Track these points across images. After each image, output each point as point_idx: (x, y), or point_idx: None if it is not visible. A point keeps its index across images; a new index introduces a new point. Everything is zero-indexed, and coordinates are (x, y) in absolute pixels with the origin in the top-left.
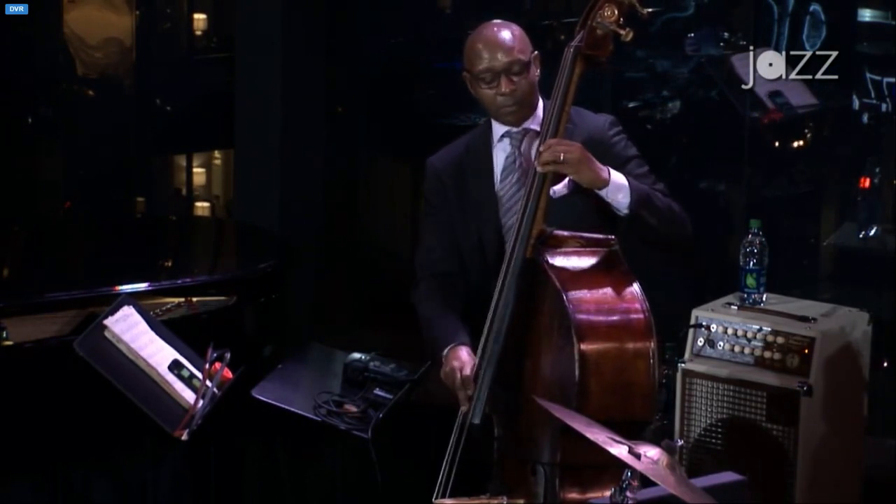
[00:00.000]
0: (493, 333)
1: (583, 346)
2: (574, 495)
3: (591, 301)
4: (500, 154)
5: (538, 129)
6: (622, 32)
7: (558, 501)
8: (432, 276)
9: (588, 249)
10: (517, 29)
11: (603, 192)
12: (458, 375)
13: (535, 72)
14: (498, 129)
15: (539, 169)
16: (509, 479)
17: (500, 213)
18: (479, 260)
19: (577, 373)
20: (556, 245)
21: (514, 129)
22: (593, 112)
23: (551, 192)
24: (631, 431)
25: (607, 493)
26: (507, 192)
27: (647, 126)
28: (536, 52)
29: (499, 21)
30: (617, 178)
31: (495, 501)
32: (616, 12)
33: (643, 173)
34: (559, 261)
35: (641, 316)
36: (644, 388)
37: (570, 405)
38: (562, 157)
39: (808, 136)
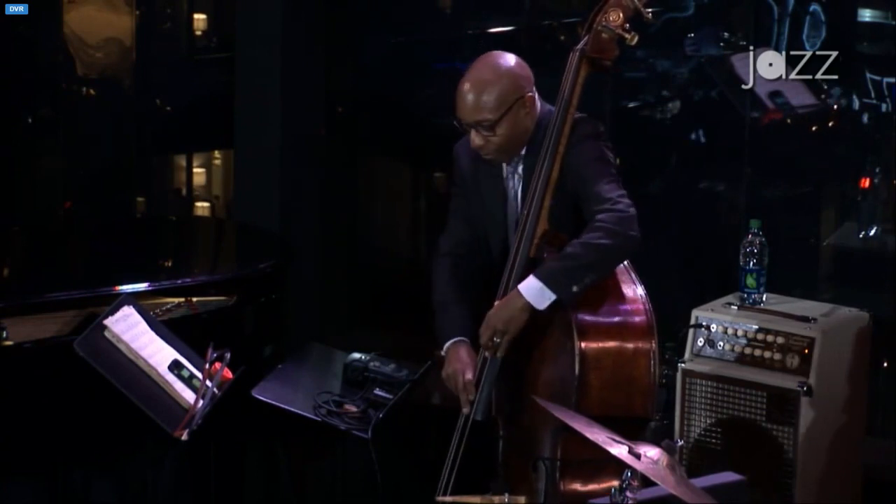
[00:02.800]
0: None
1: (583, 343)
2: (576, 487)
3: (592, 299)
4: (505, 168)
5: (523, 153)
6: (627, 36)
7: (559, 496)
8: (451, 255)
9: None
10: (498, 79)
11: (536, 306)
12: (461, 379)
13: (523, 114)
14: None
15: (486, 355)
16: (513, 477)
17: (507, 220)
18: (486, 254)
19: (576, 369)
20: (560, 245)
21: None
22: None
23: None
24: (632, 428)
25: (607, 485)
26: (508, 207)
27: (647, 126)
28: (528, 96)
29: (484, 65)
30: (530, 289)
31: (497, 499)
32: (622, 16)
33: (592, 173)
34: None
35: (643, 315)
36: (644, 385)
37: (569, 401)
38: (497, 340)
39: (808, 136)
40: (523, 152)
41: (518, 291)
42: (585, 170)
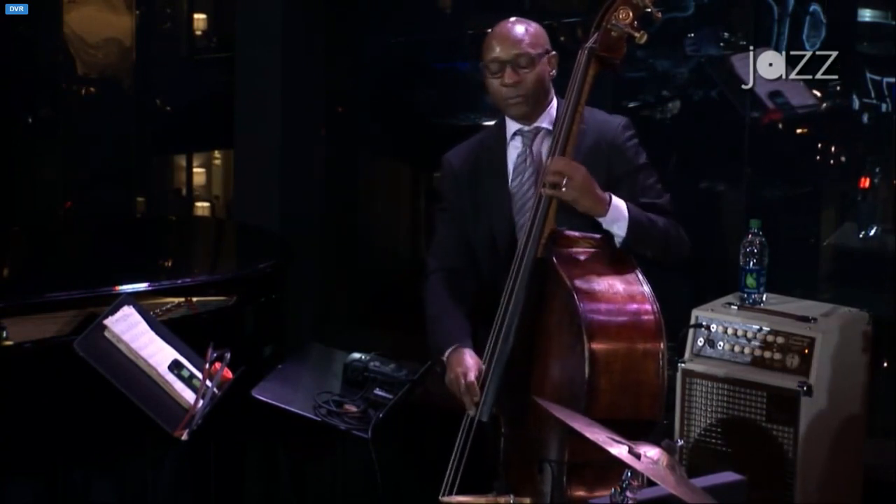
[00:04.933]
0: (503, 332)
1: (593, 345)
2: (581, 493)
3: (601, 300)
4: (513, 152)
5: (550, 127)
6: (636, 35)
7: (566, 499)
8: (442, 270)
9: (599, 250)
10: (534, 26)
11: (600, 220)
12: (463, 381)
13: (548, 70)
14: (511, 126)
15: (542, 191)
16: (516, 478)
17: (513, 211)
18: (492, 256)
19: (586, 371)
20: (568, 245)
21: (526, 128)
22: (607, 113)
23: None
24: (639, 431)
25: (613, 490)
26: (519, 190)
27: (647, 126)
28: (554, 53)
29: (514, 18)
30: (616, 209)
31: (502, 500)
32: (631, 14)
33: (650, 184)
34: (570, 260)
35: (652, 317)
36: (653, 387)
37: (579, 404)
38: (563, 184)
39: (808, 136)
40: (549, 127)
41: (609, 199)
42: (646, 178)
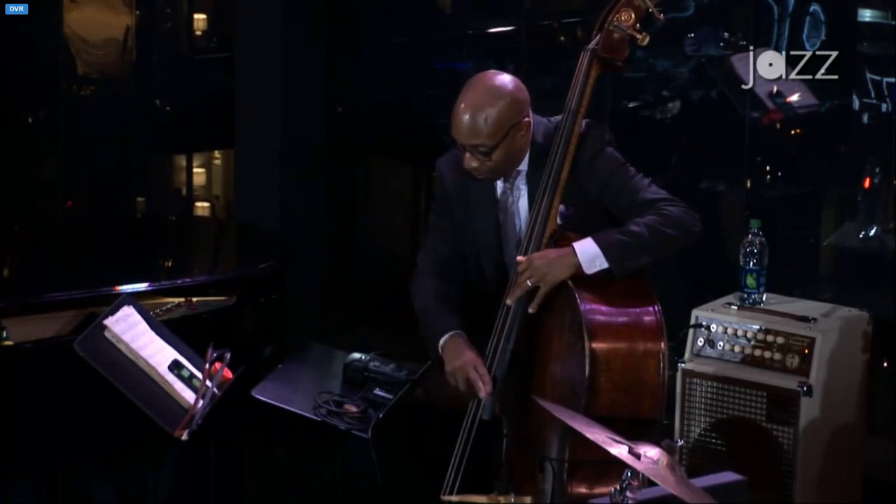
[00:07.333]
0: (505, 332)
1: (593, 344)
2: (582, 490)
3: (602, 299)
4: (500, 184)
5: (526, 168)
6: (639, 37)
7: (566, 497)
8: (430, 272)
9: None
10: (496, 109)
11: (585, 269)
12: (472, 370)
13: (518, 136)
14: None
15: (508, 302)
16: (518, 478)
17: (501, 244)
18: (478, 272)
19: (587, 369)
20: (568, 245)
21: None
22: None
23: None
24: (639, 430)
25: (613, 490)
26: (504, 226)
27: (647, 126)
28: (527, 119)
29: (482, 88)
30: (585, 251)
31: (503, 499)
32: (633, 16)
33: (624, 184)
34: None
35: (653, 317)
36: (653, 386)
37: (579, 402)
38: (529, 284)
39: (808, 136)
40: (525, 168)
41: (572, 250)
42: (619, 180)
